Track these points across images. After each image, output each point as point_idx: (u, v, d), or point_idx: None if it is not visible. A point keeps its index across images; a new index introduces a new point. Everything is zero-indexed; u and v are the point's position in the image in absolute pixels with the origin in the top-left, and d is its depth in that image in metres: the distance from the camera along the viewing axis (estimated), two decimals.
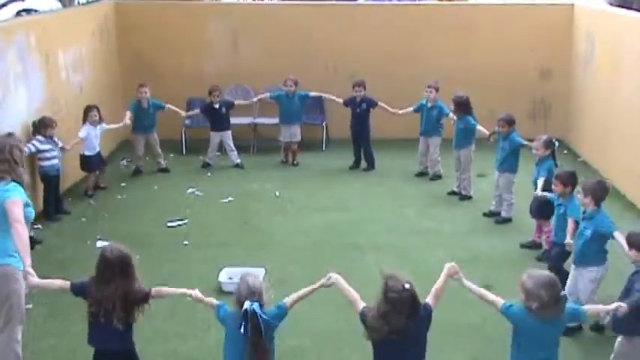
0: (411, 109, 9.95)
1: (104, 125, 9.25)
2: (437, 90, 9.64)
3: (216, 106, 10.27)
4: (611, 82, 9.67)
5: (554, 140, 7.47)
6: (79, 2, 14.25)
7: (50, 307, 6.22)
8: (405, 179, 9.92)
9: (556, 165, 7.39)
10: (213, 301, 4.50)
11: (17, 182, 5.06)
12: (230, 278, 6.52)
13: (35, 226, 7.40)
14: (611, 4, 14.04)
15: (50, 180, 8.26)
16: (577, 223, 6.05)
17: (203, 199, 9.18)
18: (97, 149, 9.16)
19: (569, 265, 6.16)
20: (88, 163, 9.14)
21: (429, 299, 4.16)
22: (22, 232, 4.80)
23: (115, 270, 4.34)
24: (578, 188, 6.08)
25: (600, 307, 4.79)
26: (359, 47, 11.34)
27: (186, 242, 7.79)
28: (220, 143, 10.45)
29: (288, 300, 4.30)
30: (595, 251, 5.77)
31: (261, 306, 4.10)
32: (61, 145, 8.33)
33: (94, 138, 9.05)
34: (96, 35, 10.59)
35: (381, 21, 11.49)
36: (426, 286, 5.94)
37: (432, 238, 7.91)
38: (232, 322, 4.16)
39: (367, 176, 10.12)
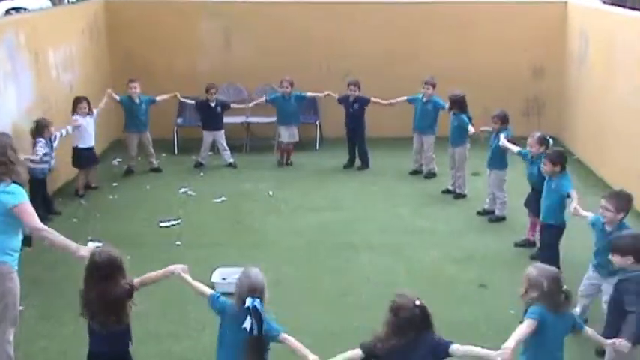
0: (404, 98, 9.92)
1: (94, 113, 9.13)
2: (433, 86, 9.60)
3: (213, 104, 10.19)
4: (604, 80, 9.66)
5: (547, 137, 7.42)
6: (68, 1, 14.17)
7: (42, 309, 6.16)
8: (399, 178, 9.88)
9: None
10: (205, 289, 4.41)
11: (17, 183, 5.01)
12: (223, 279, 6.46)
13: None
14: (604, 2, 14.05)
15: (36, 182, 8.14)
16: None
17: (196, 199, 9.11)
18: (92, 144, 9.07)
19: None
20: (80, 158, 9.02)
21: (455, 345, 3.93)
22: (48, 235, 4.96)
23: (101, 273, 4.28)
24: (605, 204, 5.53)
25: (601, 339, 4.46)
26: (353, 46, 11.29)
27: (178, 242, 7.73)
28: (213, 143, 10.38)
29: (285, 335, 4.13)
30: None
31: (262, 303, 4.06)
32: (57, 142, 8.21)
33: (86, 129, 8.95)
34: (86, 34, 10.50)
35: (375, 19, 11.44)
36: (420, 285, 5.94)
37: (426, 237, 7.87)
38: (231, 315, 4.10)
39: (361, 175, 10.08)
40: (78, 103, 8.95)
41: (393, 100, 10.02)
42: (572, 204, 6.08)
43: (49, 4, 13.89)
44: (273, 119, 10.60)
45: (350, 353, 4.03)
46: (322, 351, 4.00)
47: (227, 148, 10.35)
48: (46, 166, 8.11)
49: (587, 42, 10.36)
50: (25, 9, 9.41)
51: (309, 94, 10.43)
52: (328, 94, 10.36)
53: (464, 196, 9.05)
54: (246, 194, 9.24)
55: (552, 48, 11.33)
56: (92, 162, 9.25)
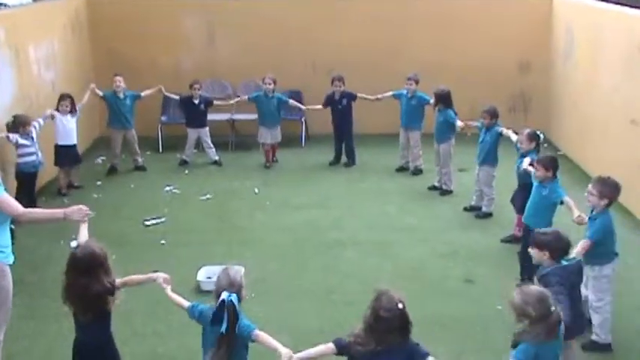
0: (390, 93, 9.90)
1: (77, 111, 9.05)
2: (417, 82, 9.58)
3: (196, 101, 10.11)
4: (590, 75, 9.67)
5: (538, 133, 7.39)
6: None
7: (25, 308, 6.06)
8: (385, 174, 9.85)
9: None
10: (183, 301, 4.37)
11: None
12: (209, 277, 6.40)
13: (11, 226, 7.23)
14: None
15: (26, 178, 8.06)
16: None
17: (181, 197, 9.03)
18: (73, 142, 8.96)
19: None
20: (60, 155, 8.91)
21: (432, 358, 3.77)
22: (33, 215, 4.92)
23: (82, 268, 4.22)
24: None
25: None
26: (338, 41, 11.24)
27: (163, 241, 7.65)
28: (198, 140, 10.29)
29: (257, 332, 4.02)
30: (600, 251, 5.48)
31: (239, 300, 4.02)
32: (35, 135, 8.11)
33: (65, 126, 8.84)
34: (67, 29, 10.38)
35: (360, 15, 11.39)
36: (407, 281, 5.91)
37: (413, 234, 7.85)
38: (208, 318, 4.06)
39: (348, 172, 10.04)
40: (60, 100, 8.85)
41: (379, 96, 9.99)
42: (574, 213, 5.85)
43: None
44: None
45: (323, 348, 3.95)
46: (307, 347, 3.96)
47: (212, 145, 10.26)
48: (33, 158, 8.00)
49: (573, 37, 10.37)
50: (5, 4, 9.26)
51: (291, 101, 10.30)
52: (311, 108, 10.29)
53: (450, 192, 9.04)
54: (232, 192, 9.17)
55: (538, 43, 11.34)
56: (74, 160, 9.14)
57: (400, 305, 3.67)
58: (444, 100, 8.93)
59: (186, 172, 10.02)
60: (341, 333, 3.99)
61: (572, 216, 5.85)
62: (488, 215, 8.26)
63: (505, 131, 7.89)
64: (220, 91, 11.23)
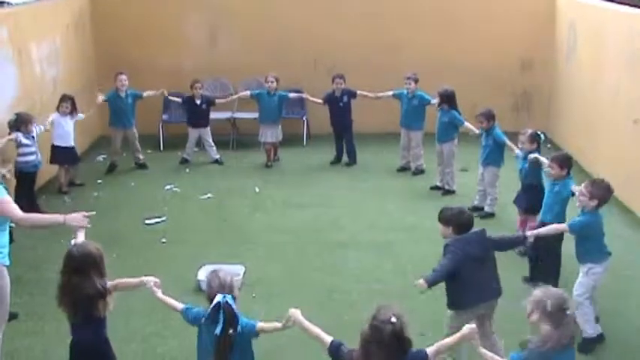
0: (390, 93, 9.85)
1: (81, 115, 9.04)
2: (416, 82, 9.54)
3: (198, 101, 10.08)
4: (594, 73, 9.62)
5: (539, 133, 7.37)
6: None
7: (24, 307, 6.06)
8: (387, 174, 9.81)
9: None
10: (175, 303, 4.34)
11: None
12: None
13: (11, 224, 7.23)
14: None
15: (25, 177, 8.05)
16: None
17: (181, 195, 9.01)
18: (71, 143, 8.93)
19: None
20: (55, 154, 8.86)
21: (429, 349, 3.76)
22: (32, 222, 4.94)
23: (75, 267, 4.21)
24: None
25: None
26: (339, 40, 11.21)
27: (164, 240, 7.63)
28: (199, 139, 10.27)
29: (261, 324, 4.08)
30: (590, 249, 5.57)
31: (234, 300, 4.00)
32: (35, 133, 8.10)
33: (64, 128, 8.81)
34: (70, 29, 10.36)
35: (361, 13, 11.36)
36: (408, 281, 5.86)
37: (415, 234, 7.80)
38: (205, 320, 4.03)
39: (349, 171, 10.00)
40: (62, 102, 8.82)
41: (380, 94, 9.94)
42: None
43: None
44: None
45: (322, 336, 3.91)
46: (309, 348, 3.93)
47: (213, 144, 10.24)
48: (33, 157, 8.00)
49: (576, 35, 10.32)
50: (8, 2, 9.22)
51: (291, 94, 10.29)
52: (311, 100, 10.25)
53: (453, 192, 8.99)
54: (233, 191, 9.14)
55: (541, 41, 11.29)
56: (71, 161, 9.10)
57: (394, 319, 3.53)
58: (448, 100, 8.88)
59: (187, 170, 10.00)
60: (343, 333, 3.95)
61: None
62: (491, 215, 8.22)
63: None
64: (221, 91, 11.21)
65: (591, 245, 5.53)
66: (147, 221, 8.08)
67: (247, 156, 10.55)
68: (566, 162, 6.32)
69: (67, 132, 8.85)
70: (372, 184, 9.43)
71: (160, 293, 4.39)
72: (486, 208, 8.27)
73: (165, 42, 11.28)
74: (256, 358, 4.17)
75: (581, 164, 9.85)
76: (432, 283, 4.79)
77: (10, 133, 7.82)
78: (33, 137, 8.00)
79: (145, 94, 9.93)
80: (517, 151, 7.55)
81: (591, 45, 9.77)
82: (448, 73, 10.50)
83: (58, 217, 4.83)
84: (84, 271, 4.20)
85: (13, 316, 5.79)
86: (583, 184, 5.56)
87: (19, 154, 7.94)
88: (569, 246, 5.87)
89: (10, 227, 6.22)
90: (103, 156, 10.41)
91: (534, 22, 11.32)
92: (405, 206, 8.64)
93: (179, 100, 10.26)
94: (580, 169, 9.71)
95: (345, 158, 10.26)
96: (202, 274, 6.49)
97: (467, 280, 4.85)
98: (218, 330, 3.91)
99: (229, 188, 9.23)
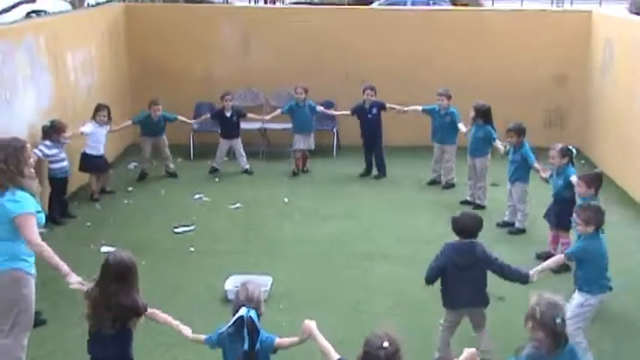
0: (420, 108, 9.79)
1: (111, 126, 9.15)
2: (448, 98, 9.47)
3: (228, 114, 10.13)
4: (630, 89, 9.47)
5: (570, 147, 7.27)
6: (88, 4, 14.20)
7: (49, 312, 6.09)
8: (416, 187, 9.74)
9: None
10: (200, 337, 4.39)
11: (25, 190, 4.93)
12: (236, 286, 6.33)
13: (42, 230, 7.32)
14: (631, 12, 13.84)
15: (57, 183, 8.18)
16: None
17: (210, 205, 9.03)
18: (102, 152, 9.01)
19: None
20: (86, 162, 8.93)
21: None
22: (42, 252, 4.87)
23: (113, 276, 4.23)
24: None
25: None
26: (371, 52, 11.19)
27: (192, 249, 7.65)
28: (229, 149, 10.32)
29: (279, 340, 4.10)
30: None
31: (258, 316, 4.00)
32: (66, 142, 8.21)
33: (99, 137, 8.90)
34: (105, 37, 10.50)
35: (394, 26, 11.33)
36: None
37: None
38: (227, 338, 4.03)
39: (378, 184, 9.95)
40: (99, 110, 8.91)
41: (408, 108, 9.90)
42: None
43: (69, 7, 13.91)
44: (289, 125, 10.49)
45: (331, 353, 3.90)
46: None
47: (244, 153, 10.27)
48: (64, 163, 8.11)
49: (612, 51, 10.17)
50: (46, 12, 9.40)
51: (319, 108, 10.32)
52: (339, 114, 10.39)
53: (483, 207, 8.88)
54: (262, 201, 9.15)
55: (576, 57, 11.13)
56: (102, 169, 9.16)
57: (386, 344, 3.53)
58: (484, 115, 8.80)
59: (217, 180, 10.04)
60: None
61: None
62: (522, 231, 8.11)
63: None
64: (252, 100, 11.26)
65: (590, 272, 5.38)
66: (176, 230, 8.12)
67: (277, 166, 10.55)
68: (593, 182, 6.27)
69: (101, 141, 8.94)
70: (401, 197, 9.37)
71: (190, 334, 4.46)
72: (517, 224, 8.16)
73: (198, 51, 11.37)
74: None
75: (616, 181, 9.69)
76: (426, 280, 5.38)
77: (42, 139, 7.96)
78: (61, 144, 8.11)
79: (178, 118, 10.03)
80: (542, 174, 7.52)
81: (627, 61, 9.61)
82: (480, 87, 10.41)
83: (64, 267, 4.83)
84: (123, 280, 4.23)
85: (41, 322, 5.85)
86: (574, 213, 5.52)
87: (50, 162, 8.06)
88: None
89: (42, 233, 6.28)
90: (134, 164, 10.50)
91: (569, 38, 11.17)
92: (433, 220, 8.55)
93: (206, 116, 10.35)
94: (615, 186, 9.56)
95: (374, 171, 10.22)
96: (229, 284, 6.50)
97: (449, 283, 5.32)
98: (246, 346, 3.91)
99: (258, 198, 9.24)
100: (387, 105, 9.97)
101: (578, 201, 6.45)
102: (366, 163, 10.25)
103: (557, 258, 5.67)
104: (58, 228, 8.04)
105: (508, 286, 5.70)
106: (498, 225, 8.31)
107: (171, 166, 10.10)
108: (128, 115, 10.16)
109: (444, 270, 5.30)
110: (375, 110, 9.98)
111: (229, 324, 4.00)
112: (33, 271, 5.08)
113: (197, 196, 9.28)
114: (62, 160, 8.13)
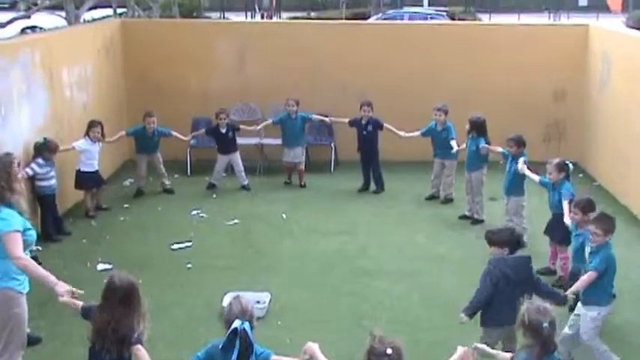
0: (418, 133, 9.72)
1: (104, 140, 9.10)
2: (446, 113, 9.43)
3: (223, 130, 10.10)
4: (628, 104, 9.45)
5: (567, 162, 7.24)
6: (84, 20, 14.20)
7: (50, 329, 6.05)
8: (415, 202, 9.69)
9: None
10: None
11: (8, 206, 4.88)
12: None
13: (34, 248, 7.23)
14: (628, 26, 13.88)
15: (46, 199, 8.09)
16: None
17: (208, 221, 8.96)
18: (96, 168, 8.95)
19: None
20: (82, 180, 8.87)
21: None
22: (25, 266, 4.76)
23: (118, 299, 4.17)
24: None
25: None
26: (369, 66, 11.17)
27: (190, 265, 7.58)
28: (228, 164, 10.27)
29: (275, 357, 4.05)
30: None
31: (251, 328, 3.93)
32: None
33: (92, 154, 8.84)
34: (101, 53, 10.46)
35: (390, 41, 11.33)
36: (436, 312, 5.76)
37: (443, 263, 7.69)
38: (220, 351, 3.94)
39: (376, 199, 9.90)
40: (92, 127, 8.85)
41: (405, 134, 9.80)
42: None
43: (65, 23, 13.90)
44: None
45: None
46: None
47: (242, 169, 10.23)
48: (53, 181, 8.06)
49: (610, 65, 10.17)
50: (41, 28, 9.39)
51: (314, 116, 10.33)
52: (336, 120, 10.29)
53: (481, 221, 8.82)
54: (260, 217, 9.09)
55: (574, 72, 11.12)
56: (96, 184, 9.08)
57: (389, 351, 3.56)
58: (478, 127, 8.76)
59: (214, 196, 9.97)
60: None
61: None
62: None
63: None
64: (250, 115, 11.22)
65: (605, 281, 5.44)
66: (173, 246, 8.05)
67: (274, 182, 10.49)
68: (587, 207, 6.25)
69: (94, 157, 8.87)
70: (400, 212, 9.32)
71: None
72: None
73: (194, 66, 11.33)
74: None
75: (614, 195, 9.66)
76: (471, 314, 5.15)
77: (33, 157, 7.92)
78: (53, 163, 8.05)
79: (173, 134, 9.98)
80: (535, 178, 7.55)
81: (625, 75, 9.61)
82: (479, 101, 10.38)
83: (51, 280, 4.67)
84: (128, 302, 4.16)
85: (36, 341, 5.76)
86: (592, 225, 5.53)
87: (38, 179, 7.97)
88: None
89: (36, 251, 6.23)
90: (130, 180, 10.42)
91: (567, 52, 11.17)
92: (432, 235, 8.51)
93: (202, 131, 10.33)
94: (613, 201, 9.52)
95: (372, 186, 10.17)
96: (227, 301, 6.41)
97: (495, 300, 5.11)
98: (234, 357, 3.84)
99: (256, 214, 9.17)
100: (385, 126, 9.92)
101: (571, 226, 6.45)
102: (364, 178, 10.21)
103: (589, 276, 5.43)
104: (53, 245, 7.97)
105: None
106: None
107: (167, 182, 10.04)
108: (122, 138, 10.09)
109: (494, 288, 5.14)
110: (370, 128, 9.93)
111: (223, 339, 3.92)
112: (25, 290, 5.01)
113: (194, 212, 9.21)
114: (51, 178, 8.06)
